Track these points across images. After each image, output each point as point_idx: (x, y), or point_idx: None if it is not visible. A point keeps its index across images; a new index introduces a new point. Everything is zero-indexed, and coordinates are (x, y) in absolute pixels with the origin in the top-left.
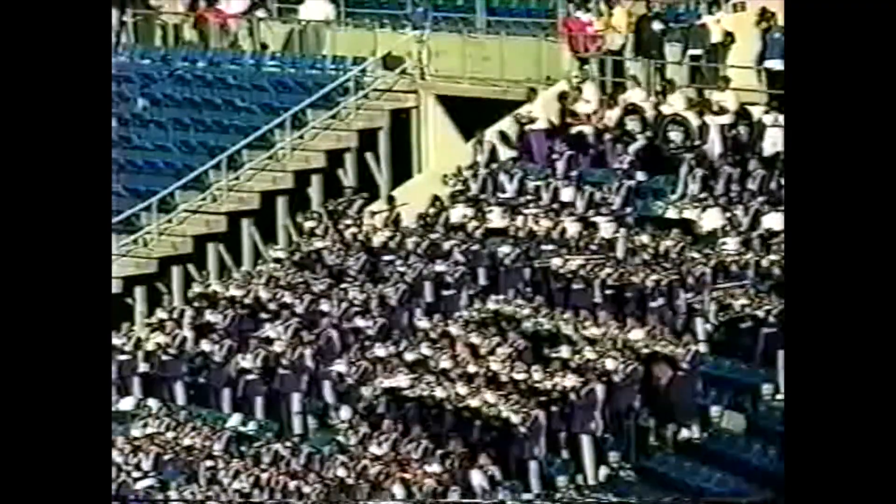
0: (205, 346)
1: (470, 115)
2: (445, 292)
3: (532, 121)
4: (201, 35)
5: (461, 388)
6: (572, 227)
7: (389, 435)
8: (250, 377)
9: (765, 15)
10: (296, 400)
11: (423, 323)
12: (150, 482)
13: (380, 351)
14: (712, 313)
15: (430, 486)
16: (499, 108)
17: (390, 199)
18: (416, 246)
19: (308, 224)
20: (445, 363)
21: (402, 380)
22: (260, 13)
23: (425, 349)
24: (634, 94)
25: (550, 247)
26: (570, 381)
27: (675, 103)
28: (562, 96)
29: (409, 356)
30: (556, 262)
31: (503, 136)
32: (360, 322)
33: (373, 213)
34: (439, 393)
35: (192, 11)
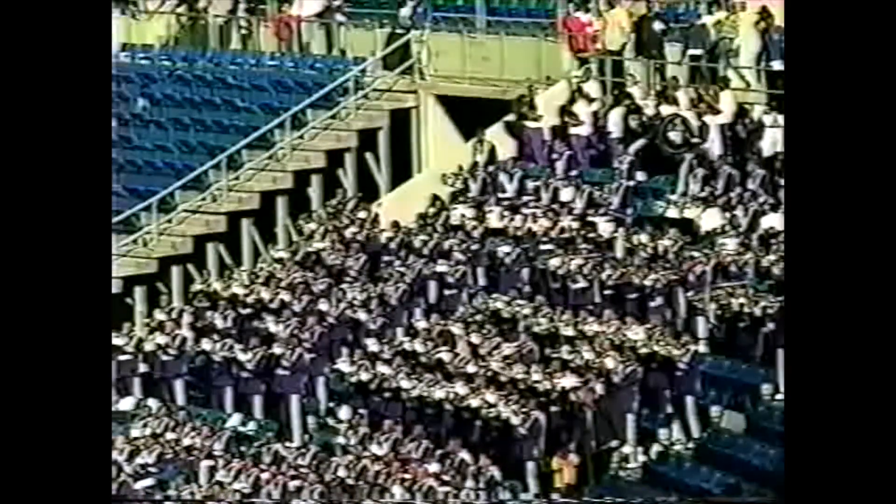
0: (205, 345)
1: (470, 115)
2: (446, 291)
3: (536, 118)
4: (279, 40)
5: (461, 388)
6: (572, 227)
7: (390, 435)
8: (249, 376)
9: (764, 15)
10: (295, 400)
11: (421, 323)
12: (150, 482)
13: (375, 347)
14: (712, 313)
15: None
16: (499, 108)
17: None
18: (407, 245)
19: (309, 226)
20: (443, 358)
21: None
22: (339, 17)
23: (421, 346)
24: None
25: (550, 246)
26: (570, 381)
27: (680, 100)
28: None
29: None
30: (555, 262)
31: (507, 126)
32: (361, 315)
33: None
34: (439, 393)
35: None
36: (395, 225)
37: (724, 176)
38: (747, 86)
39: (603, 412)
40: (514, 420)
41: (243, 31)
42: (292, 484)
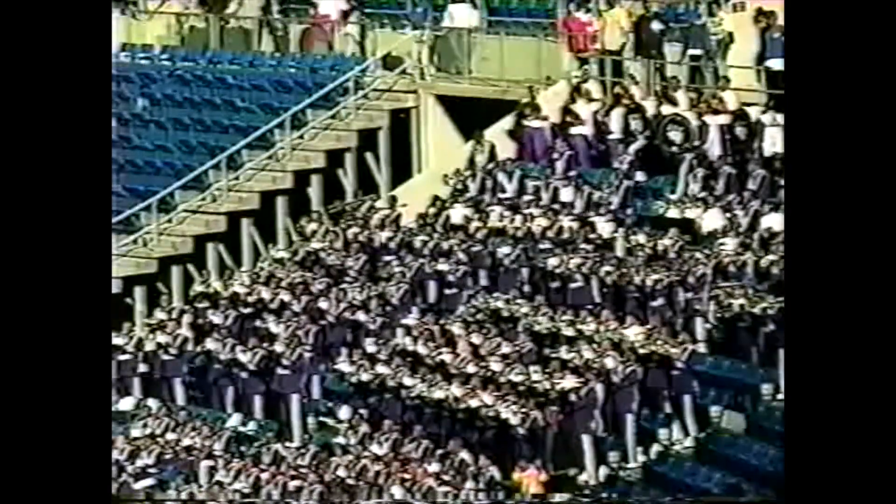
0: (206, 344)
1: (470, 115)
2: (447, 291)
3: (540, 118)
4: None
5: (458, 389)
6: (571, 227)
7: (390, 435)
8: (249, 376)
9: (765, 14)
10: (295, 400)
11: (411, 320)
12: (150, 482)
13: (373, 347)
14: (712, 313)
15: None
16: (499, 108)
17: (392, 200)
18: (408, 244)
19: (310, 227)
20: (443, 359)
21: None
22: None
23: (421, 347)
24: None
25: (549, 246)
26: (570, 381)
27: (679, 101)
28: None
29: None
30: (554, 261)
31: (508, 132)
32: (360, 316)
33: (374, 212)
34: (439, 393)
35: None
36: (395, 225)
37: (724, 176)
38: (727, 81)
39: (564, 435)
40: (513, 420)
41: (279, 34)
42: (292, 484)
